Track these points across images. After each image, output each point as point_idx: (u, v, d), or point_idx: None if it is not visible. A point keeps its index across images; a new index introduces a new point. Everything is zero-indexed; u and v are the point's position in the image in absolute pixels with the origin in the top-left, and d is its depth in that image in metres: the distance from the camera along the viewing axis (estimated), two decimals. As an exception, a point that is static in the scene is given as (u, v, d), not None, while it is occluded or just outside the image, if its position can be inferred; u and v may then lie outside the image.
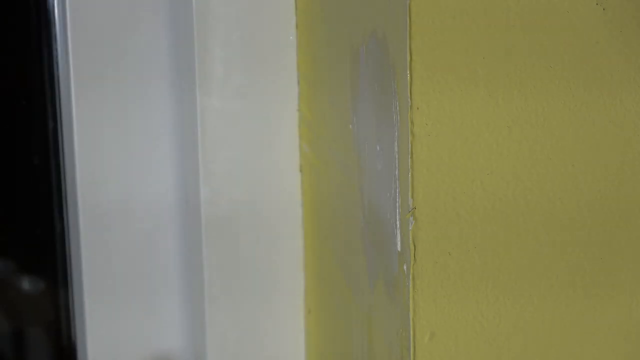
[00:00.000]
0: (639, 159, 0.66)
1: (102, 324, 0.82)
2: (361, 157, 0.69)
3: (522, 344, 0.66)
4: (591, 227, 0.66)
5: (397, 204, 0.64)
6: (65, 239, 0.83)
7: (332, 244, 0.76)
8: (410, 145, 0.62)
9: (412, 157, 0.62)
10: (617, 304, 0.67)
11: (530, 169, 0.64)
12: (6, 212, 0.85)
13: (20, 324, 0.86)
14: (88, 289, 0.81)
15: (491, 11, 0.62)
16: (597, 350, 0.68)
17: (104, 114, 0.78)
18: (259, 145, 0.78)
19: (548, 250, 0.65)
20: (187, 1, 0.76)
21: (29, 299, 0.86)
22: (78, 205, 0.79)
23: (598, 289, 0.67)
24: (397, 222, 0.64)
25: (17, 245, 0.85)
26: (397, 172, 0.64)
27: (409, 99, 0.61)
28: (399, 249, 0.64)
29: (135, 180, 0.80)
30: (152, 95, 0.80)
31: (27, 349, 0.86)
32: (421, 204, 0.63)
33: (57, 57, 0.79)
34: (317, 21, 0.75)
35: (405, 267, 0.64)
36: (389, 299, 0.67)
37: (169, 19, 0.79)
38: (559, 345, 0.67)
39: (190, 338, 0.83)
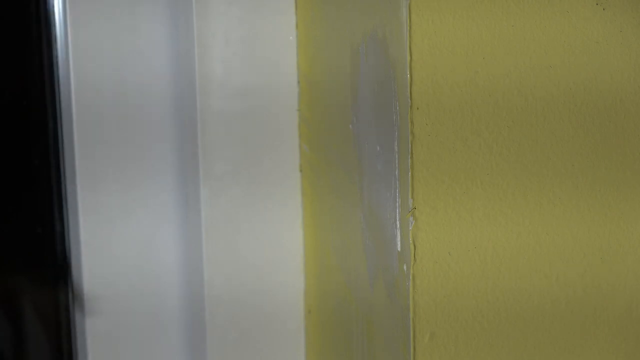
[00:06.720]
0: (639, 159, 0.66)
1: (101, 325, 0.82)
2: (361, 157, 0.69)
3: (522, 344, 0.66)
4: (590, 226, 0.66)
5: (397, 204, 0.64)
6: (65, 239, 0.83)
7: (332, 244, 0.76)
8: (410, 145, 0.62)
9: (412, 157, 0.62)
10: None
11: (530, 169, 0.64)
12: (6, 211, 0.85)
13: (20, 323, 0.86)
14: (88, 288, 0.81)
15: (491, 11, 0.62)
16: (597, 346, 0.68)
17: (104, 113, 0.78)
18: (259, 145, 0.78)
19: (548, 249, 0.65)
20: (187, 1, 0.76)
21: (28, 299, 0.86)
22: (78, 203, 0.79)
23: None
24: (397, 222, 0.64)
25: (17, 245, 0.85)
26: (397, 172, 0.64)
27: (409, 99, 0.61)
28: (399, 249, 0.64)
29: (136, 182, 0.80)
30: (152, 94, 0.80)
31: (27, 349, 0.86)
32: (421, 204, 0.63)
33: (57, 57, 0.79)
34: (317, 21, 0.75)
35: (405, 267, 0.64)
36: (389, 299, 0.67)
37: (169, 19, 0.79)
38: (560, 344, 0.67)
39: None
